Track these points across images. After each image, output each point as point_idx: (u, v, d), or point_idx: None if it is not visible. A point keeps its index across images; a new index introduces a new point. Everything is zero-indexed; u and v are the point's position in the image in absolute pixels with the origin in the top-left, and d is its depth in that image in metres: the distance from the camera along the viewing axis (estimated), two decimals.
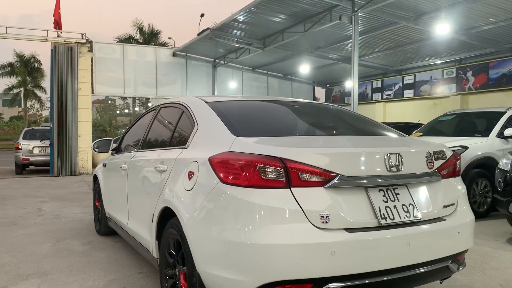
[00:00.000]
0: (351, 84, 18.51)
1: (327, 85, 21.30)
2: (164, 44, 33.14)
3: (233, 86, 18.87)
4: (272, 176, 2.23)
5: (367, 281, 2.26)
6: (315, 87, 21.86)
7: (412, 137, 3.22)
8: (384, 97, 17.23)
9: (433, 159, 2.67)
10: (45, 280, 3.70)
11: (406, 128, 10.31)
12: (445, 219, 2.62)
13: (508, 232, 5.66)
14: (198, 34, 14.18)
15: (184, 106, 3.31)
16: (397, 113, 16.29)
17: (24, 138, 15.22)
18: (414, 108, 15.53)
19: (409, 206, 2.49)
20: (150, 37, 35.90)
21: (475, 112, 8.49)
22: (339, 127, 3.37)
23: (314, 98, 21.93)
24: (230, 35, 13.95)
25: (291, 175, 2.24)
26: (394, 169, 2.47)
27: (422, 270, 2.46)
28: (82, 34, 15.22)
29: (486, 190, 6.76)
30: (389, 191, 2.47)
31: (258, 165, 2.24)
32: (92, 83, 15.66)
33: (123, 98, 45.27)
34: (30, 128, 17.42)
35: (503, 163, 5.43)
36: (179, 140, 3.18)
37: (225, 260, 2.28)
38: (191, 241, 2.52)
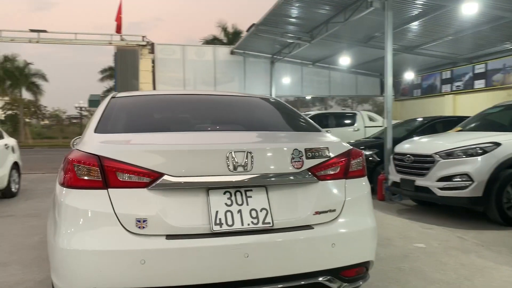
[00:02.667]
0: (411, 76, 17.28)
1: (397, 78, 19.97)
2: None
3: (291, 81, 18.57)
4: (88, 175, 2.08)
5: None
6: (383, 80, 20.64)
7: (297, 132, 2.78)
8: (454, 88, 15.70)
9: (303, 157, 2.29)
10: None
11: (458, 123, 9.26)
12: (313, 228, 2.24)
13: None
14: (247, 31, 14.16)
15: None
16: (467, 106, 14.74)
17: None
18: (486, 100, 13.88)
19: (260, 211, 2.16)
20: (233, 37, 36.44)
21: None
22: (228, 122, 3.05)
23: (382, 92, 20.71)
24: (276, 30, 13.71)
25: (108, 175, 2.06)
26: (240, 169, 2.16)
27: (273, 286, 2.12)
28: (143, 37, 16.07)
29: None
30: (238, 194, 2.18)
31: (75, 163, 2.11)
32: (154, 83, 16.47)
33: None
34: None
35: None
36: None
37: (53, 266, 2.19)
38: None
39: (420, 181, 6.14)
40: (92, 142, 2.28)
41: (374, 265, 2.50)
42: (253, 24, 13.27)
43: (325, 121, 13.86)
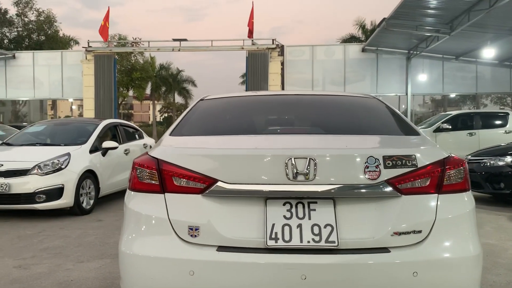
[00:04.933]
0: None
1: None
2: None
3: (430, 78, 17.01)
4: (147, 179, 2.05)
5: None
6: None
7: (391, 136, 2.33)
8: None
9: (380, 166, 1.91)
10: (57, 257, 4.08)
11: None
12: (390, 251, 1.86)
13: None
14: (377, 26, 13.36)
15: None
16: None
17: None
18: None
19: (324, 228, 1.86)
20: (371, 34, 34.47)
21: None
22: (307, 125, 2.74)
23: None
24: (410, 23, 12.64)
25: (166, 179, 2.00)
26: (301, 177, 1.90)
27: None
28: (273, 40, 16.37)
29: None
30: (299, 206, 1.92)
31: (137, 166, 2.10)
32: (283, 85, 16.69)
33: None
34: None
35: None
36: None
37: None
38: None
39: None
40: (160, 145, 2.26)
41: None
42: (384, 19, 12.46)
43: (470, 122, 12.41)
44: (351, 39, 34.06)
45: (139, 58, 27.55)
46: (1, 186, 5.84)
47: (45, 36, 31.32)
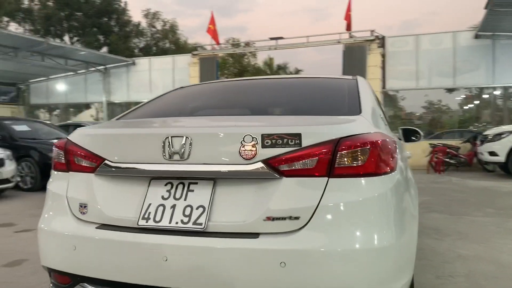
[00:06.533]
0: None
1: None
2: None
3: None
4: (59, 159, 2.22)
5: None
6: None
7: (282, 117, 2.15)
8: None
9: (257, 145, 1.78)
10: None
11: None
12: (258, 237, 1.72)
13: None
14: (485, 8, 11.83)
15: None
16: None
17: None
18: None
19: (196, 209, 1.82)
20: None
21: None
22: (240, 107, 2.63)
23: None
24: None
25: (70, 159, 2.16)
26: (176, 157, 1.87)
27: None
28: (371, 31, 15.58)
29: None
30: (180, 187, 1.90)
31: (54, 148, 2.29)
32: (384, 79, 15.80)
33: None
34: None
35: None
36: None
37: None
38: None
39: None
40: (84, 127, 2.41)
41: None
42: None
43: None
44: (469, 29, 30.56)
45: (251, 60, 28.58)
46: None
47: (174, 44, 34.40)
